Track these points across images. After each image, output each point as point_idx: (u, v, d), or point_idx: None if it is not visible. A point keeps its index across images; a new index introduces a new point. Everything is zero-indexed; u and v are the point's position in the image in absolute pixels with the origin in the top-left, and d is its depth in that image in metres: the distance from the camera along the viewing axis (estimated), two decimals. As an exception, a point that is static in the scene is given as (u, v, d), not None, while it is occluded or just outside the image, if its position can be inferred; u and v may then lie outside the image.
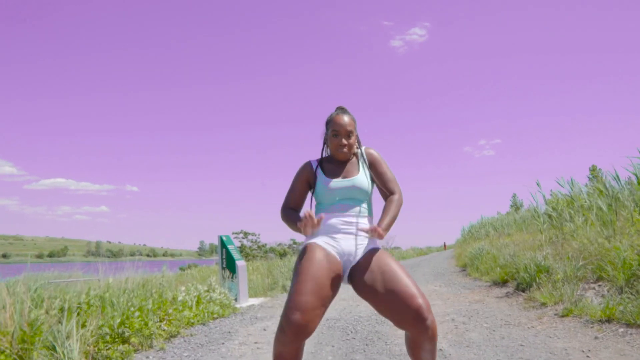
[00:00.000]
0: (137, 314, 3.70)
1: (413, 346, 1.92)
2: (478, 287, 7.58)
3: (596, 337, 3.28)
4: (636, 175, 6.71)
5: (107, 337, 3.36)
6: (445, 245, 46.82)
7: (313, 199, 2.28)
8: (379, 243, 2.18)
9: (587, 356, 2.87)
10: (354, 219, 2.11)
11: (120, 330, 3.43)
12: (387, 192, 2.17)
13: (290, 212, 2.21)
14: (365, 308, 5.62)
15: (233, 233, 26.34)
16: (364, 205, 2.17)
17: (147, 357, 3.39)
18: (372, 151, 2.27)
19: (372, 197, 2.24)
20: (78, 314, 3.44)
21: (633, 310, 3.46)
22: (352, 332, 4.13)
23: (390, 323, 4.46)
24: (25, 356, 2.70)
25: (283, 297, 7.37)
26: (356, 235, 2.09)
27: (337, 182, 2.16)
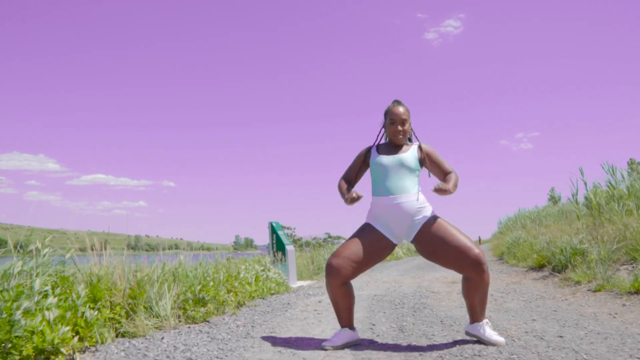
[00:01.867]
0: (211, 283, 4.25)
1: (469, 288, 2.54)
2: (515, 272, 7.89)
3: (624, 305, 3.63)
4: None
5: (190, 302, 3.91)
6: (480, 239, 46.46)
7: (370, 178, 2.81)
8: (432, 212, 2.66)
9: (614, 317, 3.24)
10: (402, 199, 2.62)
11: (200, 296, 3.97)
12: (445, 172, 2.71)
13: (343, 184, 2.83)
14: (408, 287, 6.05)
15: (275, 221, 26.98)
16: (412, 182, 2.66)
17: (224, 319, 3.93)
18: (427, 145, 2.78)
19: (419, 179, 2.73)
20: (160, 282, 4.00)
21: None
22: (399, 304, 4.57)
23: (435, 297, 4.88)
24: (133, 310, 3.26)
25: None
26: (406, 215, 2.62)
27: (386, 158, 2.69)
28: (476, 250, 2.48)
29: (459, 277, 7.01)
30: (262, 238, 8.40)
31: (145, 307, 3.47)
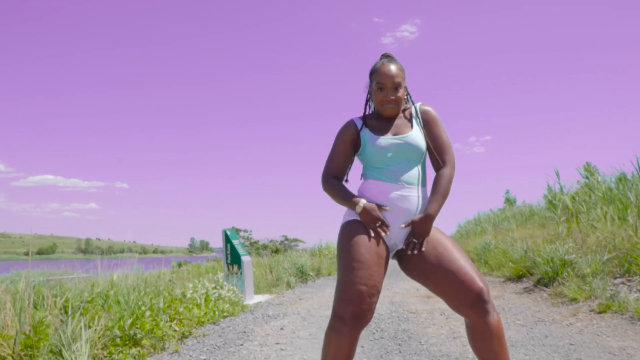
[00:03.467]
0: (148, 313, 3.39)
1: (475, 339, 1.74)
2: (491, 282, 7.34)
3: (651, 335, 3.03)
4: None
5: (118, 340, 3.05)
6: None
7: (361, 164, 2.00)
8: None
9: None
10: (407, 191, 1.84)
11: (132, 332, 3.12)
12: (439, 160, 1.89)
13: (336, 184, 1.94)
14: (379, 304, 5.33)
15: (230, 228, 26.00)
16: (419, 169, 1.89)
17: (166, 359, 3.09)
18: (429, 108, 1.97)
19: (425, 161, 1.95)
20: (82, 314, 3.12)
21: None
22: (377, 331, 3.85)
23: (416, 320, 4.19)
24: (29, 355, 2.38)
25: (289, 295, 7.08)
26: (409, 210, 1.83)
27: (387, 140, 1.87)
28: (479, 283, 1.70)
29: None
30: (218, 240, 7.58)
31: (52, 354, 2.60)
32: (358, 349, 3.20)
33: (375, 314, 4.72)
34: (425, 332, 3.71)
